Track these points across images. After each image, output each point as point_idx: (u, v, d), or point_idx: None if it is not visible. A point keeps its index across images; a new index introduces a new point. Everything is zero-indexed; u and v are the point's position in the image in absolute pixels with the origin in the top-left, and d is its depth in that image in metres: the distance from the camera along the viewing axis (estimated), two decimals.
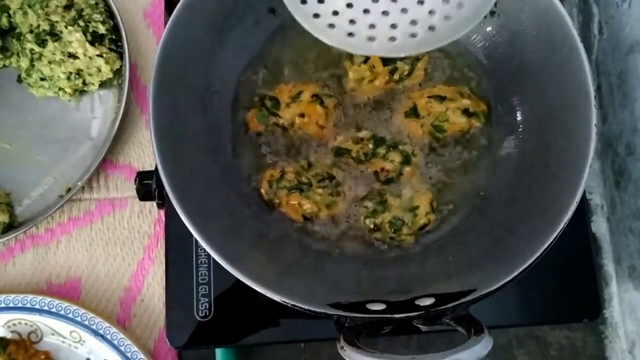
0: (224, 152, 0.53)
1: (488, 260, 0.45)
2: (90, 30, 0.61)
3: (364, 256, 0.51)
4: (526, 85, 0.52)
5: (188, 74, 0.49)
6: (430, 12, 0.37)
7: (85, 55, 0.61)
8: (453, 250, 0.49)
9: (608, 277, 0.63)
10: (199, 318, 0.53)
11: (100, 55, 0.61)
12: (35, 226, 0.61)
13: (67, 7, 0.61)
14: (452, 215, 0.52)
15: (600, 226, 0.64)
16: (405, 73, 0.54)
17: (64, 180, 0.62)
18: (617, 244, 0.63)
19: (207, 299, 0.54)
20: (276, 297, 0.41)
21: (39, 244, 0.62)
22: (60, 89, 0.62)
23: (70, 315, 0.57)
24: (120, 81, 0.63)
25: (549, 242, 0.42)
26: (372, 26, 0.37)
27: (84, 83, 0.62)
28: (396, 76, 0.54)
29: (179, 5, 0.47)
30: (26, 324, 0.58)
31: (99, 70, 0.62)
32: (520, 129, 0.53)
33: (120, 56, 0.63)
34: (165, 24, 0.47)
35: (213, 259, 0.42)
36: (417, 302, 0.42)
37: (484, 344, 0.35)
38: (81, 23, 0.60)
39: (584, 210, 0.56)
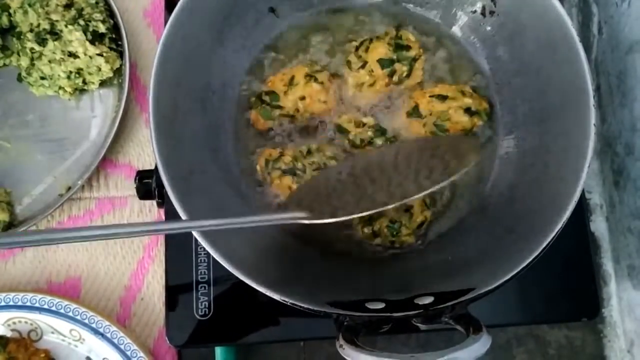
0: (224, 151, 0.53)
1: (487, 259, 0.45)
2: (91, 29, 0.61)
3: (363, 255, 0.51)
4: (526, 85, 0.52)
5: (188, 73, 0.49)
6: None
7: (85, 55, 0.61)
8: (452, 249, 0.50)
9: (607, 276, 0.64)
10: (198, 317, 0.54)
11: (100, 55, 0.61)
12: (36, 225, 0.61)
13: (68, 6, 0.61)
14: (452, 215, 0.52)
15: (599, 225, 0.65)
16: (404, 74, 0.54)
17: (64, 179, 0.62)
18: (616, 244, 0.63)
19: (206, 298, 0.54)
20: (275, 296, 0.41)
21: None
22: (60, 87, 0.62)
23: (70, 314, 0.57)
24: (120, 80, 0.64)
25: (547, 242, 0.42)
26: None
27: (84, 82, 0.62)
28: (395, 78, 0.54)
29: (179, 5, 0.47)
30: (26, 322, 0.58)
31: (99, 70, 0.62)
32: (519, 129, 0.53)
33: (120, 55, 0.63)
34: (166, 23, 0.47)
35: (213, 258, 0.42)
36: (416, 300, 0.42)
37: (482, 343, 0.35)
38: (81, 22, 0.60)
39: (583, 209, 0.56)
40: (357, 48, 0.55)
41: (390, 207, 0.44)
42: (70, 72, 0.61)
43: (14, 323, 0.58)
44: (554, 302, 0.55)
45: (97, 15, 0.62)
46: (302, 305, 0.41)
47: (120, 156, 0.64)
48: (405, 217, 0.51)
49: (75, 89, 0.63)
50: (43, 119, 0.64)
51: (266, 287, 0.41)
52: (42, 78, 0.62)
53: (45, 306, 0.57)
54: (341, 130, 0.54)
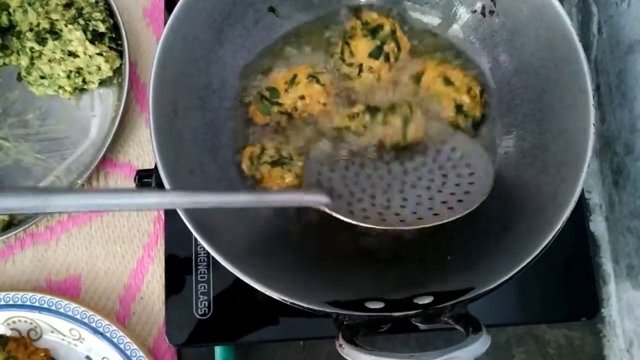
0: (224, 150, 0.53)
1: (486, 259, 0.45)
2: (90, 28, 0.61)
3: (362, 254, 0.51)
4: (525, 84, 0.52)
5: (187, 72, 0.50)
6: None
7: (85, 54, 0.61)
8: (451, 249, 0.49)
9: (606, 276, 0.64)
10: (198, 316, 0.54)
11: (100, 54, 0.61)
12: (35, 224, 0.61)
13: (67, 6, 0.61)
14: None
15: (598, 225, 0.65)
16: (395, 49, 0.54)
17: (64, 178, 0.62)
18: (615, 243, 0.63)
19: (206, 297, 0.54)
20: (275, 295, 0.41)
21: (38, 242, 0.62)
22: (60, 87, 0.62)
23: (70, 313, 0.57)
24: (120, 80, 0.64)
25: (547, 242, 0.42)
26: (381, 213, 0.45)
27: (84, 81, 0.62)
28: (391, 59, 0.54)
29: (178, 4, 0.47)
30: (26, 321, 0.58)
31: (99, 69, 0.62)
32: (519, 128, 0.53)
33: (120, 55, 0.63)
34: (165, 22, 0.47)
35: (212, 257, 0.42)
36: (416, 300, 0.42)
37: (481, 343, 0.35)
38: (81, 21, 0.60)
39: (582, 209, 0.56)
40: (342, 57, 0.55)
41: (406, 228, 0.44)
42: (70, 71, 0.61)
43: (14, 322, 0.58)
44: (553, 302, 0.55)
45: (97, 15, 0.62)
46: (302, 304, 0.41)
47: (120, 155, 0.64)
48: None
49: (75, 89, 0.63)
50: (43, 118, 0.64)
51: (265, 286, 0.41)
52: (42, 77, 0.61)
53: (45, 305, 0.57)
54: (340, 131, 0.53)
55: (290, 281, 0.44)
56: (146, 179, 0.54)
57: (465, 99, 0.53)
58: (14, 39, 0.63)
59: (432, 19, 0.57)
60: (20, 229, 0.59)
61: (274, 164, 0.51)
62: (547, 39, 0.49)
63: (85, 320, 0.57)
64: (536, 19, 0.49)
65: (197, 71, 0.51)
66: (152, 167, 0.54)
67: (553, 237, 0.42)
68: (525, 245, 0.43)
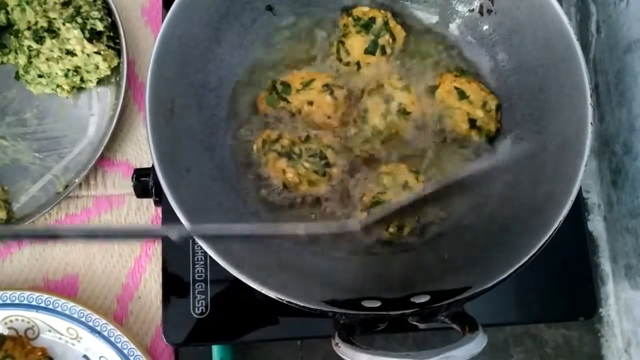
0: (221, 149, 0.53)
1: (483, 258, 0.45)
2: (88, 27, 0.61)
3: (360, 253, 0.51)
4: (523, 83, 0.52)
5: (185, 71, 0.49)
6: None
7: (83, 53, 0.61)
8: (448, 248, 0.49)
9: (604, 275, 0.64)
10: (195, 315, 0.53)
11: (98, 53, 0.61)
12: (33, 223, 0.61)
13: (65, 4, 0.61)
14: (448, 213, 0.52)
15: (597, 225, 0.65)
16: (390, 41, 0.54)
17: (62, 177, 0.62)
18: (613, 243, 0.63)
19: (203, 296, 0.54)
20: (271, 294, 0.41)
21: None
22: (58, 86, 0.62)
23: (67, 312, 0.57)
24: (118, 78, 0.64)
25: (543, 241, 0.42)
26: None
27: (82, 80, 0.62)
28: (388, 50, 0.54)
29: (175, 2, 0.47)
30: (23, 320, 0.58)
31: (97, 68, 0.62)
32: (517, 127, 0.53)
33: (118, 53, 0.63)
34: (163, 21, 0.47)
35: (210, 256, 0.42)
36: (413, 299, 0.42)
37: (478, 342, 0.35)
38: (79, 20, 0.60)
39: (580, 209, 0.56)
40: (338, 57, 0.55)
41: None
42: (68, 70, 0.61)
43: (11, 321, 0.58)
44: (551, 302, 0.55)
45: (95, 14, 0.62)
46: (298, 303, 0.41)
47: (118, 154, 0.64)
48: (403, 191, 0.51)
49: (73, 87, 0.63)
50: (41, 117, 0.64)
51: (262, 285, 0.41)
52: (40, 76, 0.61)
53: (42, 304, 0.57)
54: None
55: (287, 280, 0.44)
56: (144, 178, 0.54)
57: (480, 114, 0.52)
58: (11, 37, 0.63)
59: (430, 18, 0.57)
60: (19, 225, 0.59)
61: (282, 154, 0.51)
62: (545, 38, 0.49)
63: (83, 320, 0.57)
64: (534, 18, 0.49)
65: (194, 70, 0.51)
66: (150, 165, 0.54)
67: (550, 236, 0.42)
68: (522, 244, 0.42)
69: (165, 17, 0.47)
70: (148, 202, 0.62)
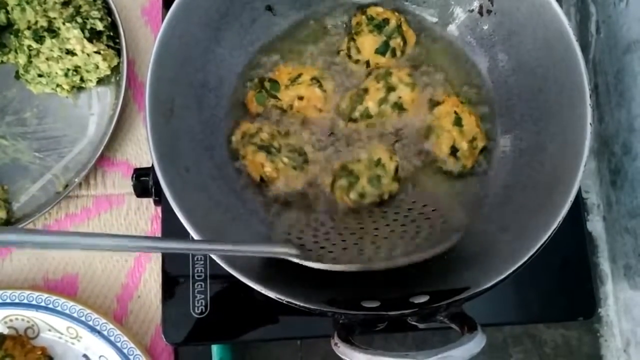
0: (220, 149, 0.53)
1: (482, 258, 0.45)
2: (88, 27, 0.61)
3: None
4: (523, 83, 0.52)
5: (184, 71, 0.49)
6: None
7: (83, 52, 0.61)
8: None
9: (604, 275, 0.64)
10: (195, 315, 0.53)
11: (98, 52, 0.61)
12: (33, 222, 0.61)
13: (65, 4, 0.61)
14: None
15: (596, 225, 0.65)
16: (401, 44, 0.54)
17: (62, 176, 0.62)
18: (612, 243, 0.63)
19: (203, 296, 0.54)
20: (271, 294, 0.41)
21: None
22: (57, 85, 0.62)
23: (67, 312, 0.57)
24: (117, 78, 0.64)
25: (542, 241, 0.42)
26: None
27: (82, 80, 0.62)
28: (398, 53, 0.54)
29: (175, 2, 0.47)
30: (23, 319, 0.58)
31: (97, 67, 0.62)
32: (516, 128, 0.52)
33: (118, 53, 0.63)
34: (163, 21, 0.47)
35: (209, 256, 0.42)
36: (412, 299, 0.42)
37: (476, 342, 0.35)
38: (79, 20, 0.60)
39: (580, 209, 0.56)
40: (348, 54, 0.55)
41: (375, 267, 0.43)
42: (68, 69, 0.61)
43: (11, 320, 0.58)
44: (550, 302, 0.55)
45: (95, 13, 0.62)
46: (298, 303, 0.41)
47: (118, 154, 0.64)
48: (380, 169, 0.51)
49: (73, 87, 0.63)
50: (40, 116, 0.64)
51: (261, 285, 0.41)
52: (40, 75, 0.61)
53: (42, 304, 0.57)
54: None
55: (286, 280, 0.44)
56: (144, 177, 0.54)
57: (464, 146, 0.51)
58: (11, 37, 0.63)
59: (429, 18, 0.57)
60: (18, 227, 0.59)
61: (261, 148, 0.51)
62: (544, 39, 0.49)
63: (83, 319, 0.57)
64: (534, 18, 0.49)
65: (194, 69, 0.51)
66: (150, 165, 0.54)
67: (549, 237, 0.42)
68: (521, 244, 0.42)
69: (165, 17, 0.47)
70: (148, 202, 0.62)
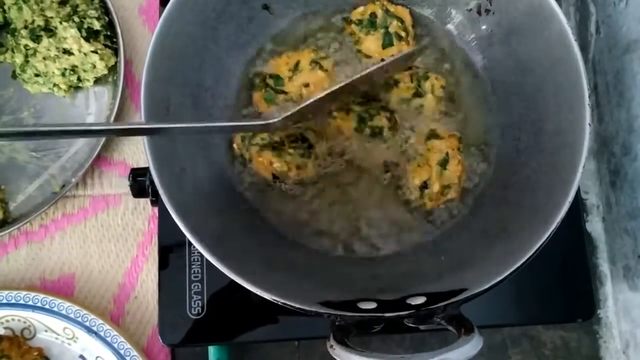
0: (216, 149, 0.52)
1: (480, 260, 0.45)
2: (85, 26, 0.61)
3: (355, 254, 0.51)
4: (521, 83, 0.52)
5: (181, 69, 0.49)
6: None
7: (80, 52, 0.60)
8: (445, 249, 0.49)
9: (603, 277, 0.63)
10: (192, 316, 0.53)
11: (95, 52, 0.61)
12: (29, 222, 0.61)
13: (62, 3, 0.61)
14: (445, 214, 0.52)
15: (595, 226, 0.64)
16: (400, 23, 0.54)
17: (58, 176, 0.62)
18: (612, 244, 0.62)
19: (200, 297, 0.54)
20: (266, 295, 0.41)
21: (32, 241, 0.62)
22: (54, 85, 0.62)
23: (64, 312, 0.57)
24: (115, 78, 0.63)
25: (541, 242, 0.41)
26: None
27: (79, 79, 0.62)
28: (402, 33, 0.54)
29: (171, 1, 0.47)
30: (19, 320, 0.58)
31: (94, 67, 0.62)
32: (514, 127, 0.52)
33: (115, 52, 0.63)
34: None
35: (206, 257, 0.42)
36: (408, 301, 0.41)
37: (473, 344, 0.35)
38: (76, 19, 0.60)
39: (579, 210, 0.56)
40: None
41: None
42: (65, 69, 0.61)
43: (7, 321, 0.58)
44: (549, 303, 0.55)
45: (92, 12, 0.61)
46: (294, 304, 0.41)
47: (115, 154, 0.64)
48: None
49: (70, 86, 0.63)
50: (37, 116, 0.64)
51: (257, 286, 0.41)
52: (37, 75, 0.61)
53: (39, 304, 0.57)
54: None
55: (282, 281, 0.43)
56: (140, 177, 0.54)
57: (435, 188, 0.50)
58: (8, 36, 0.62)
59: (427, 17, 0.56)
60: (15, 227, 0.59)
61: (265, 147, 0.51)
62: (543, 38, 0.48)
63: (79, 320, 0.57)
64: (532, 17, 0.49)
65: (190, 69, 0.50)
66: (147, 165, 0.53)
67: (547, 238, 0.42)
68: (519, 246, 0.42)
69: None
70: (145, 202, 0.62)
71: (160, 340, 0.53)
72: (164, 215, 0.56)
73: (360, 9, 0.55)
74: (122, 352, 0.56)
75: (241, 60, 0.55)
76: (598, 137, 0.64)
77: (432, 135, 0.53)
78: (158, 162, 0.44)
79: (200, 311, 0.53)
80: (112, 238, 0.62)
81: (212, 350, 0.56)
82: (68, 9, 0.61)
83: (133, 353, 0.56)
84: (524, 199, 0.48)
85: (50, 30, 0.60)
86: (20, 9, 0.61)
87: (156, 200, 0.54)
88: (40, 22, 0.60)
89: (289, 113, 0.45)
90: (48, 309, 0.57)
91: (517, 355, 0.61)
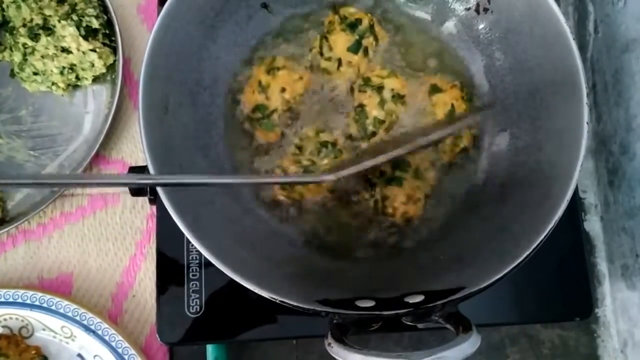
0: (214, 148, 0.52)
1: (478, 258, 0.45)
2: (84, 24, 0.60)
3: (353, 253, 0.51)
4: (519, 82, 0.52)
5: (179, 68, 0.49)
6: None
7: (78, 50, 0.60)
8: (443, 248, 0.49)
9: (601, 276, 0.63)
10: (190, 314, 0.53)
11: (93, 50, 0.61)
12: (27, 221, 0.61)
13: (61, 1, 0.61)
14: (443, 212, 0.52)
15: (593, 225, 0.64)
16: (373, 44, 0.55)
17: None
18: (610, 243, 0.63)
19: (198, 295, 0.54)
20: (264, 294, 0.41)
21: (30, 239, 0.62)
22: (53, 83, 0.62)
23: (62, 311, 0.57)
24: (113, 76, 0.63)
25: (538, 241, 0.41)
26: None
27: (77, 78, 0.62)
28: (370, 52, 0.55)
29: (169, 0, 0.47)
30: (17, 319, 0.58)
31: (92, 65, 0.61)
32: (512, 126, 0.52)
33: (114, 51, 0.63)
34: None
35: (204, 255, 0.42)
36: (407, 299, 0.41)
37: (471, 342, 0.35)
38: (75, 17, 0.60)
39: (577, 208, 0.56)
40: (320, 52, 0.55)
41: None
42: (63, 67, 0.61)
43: (5, 320, 0.58)
44: (547, 302, 0.55)
45: (91, 11, 0.61)
46: (291, 302, 0.41)
47: (114, 152, 0.64)
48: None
49: (69, 85, 0.62)
50: (36, 114, 0.64)
51: (254, 284, 0.41)
52: (35, 73, 0.61)
53: (37, 303, 0.57)
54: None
55: (280, 279, 0.43)
56: None
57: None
58: (7, 34, 0.62)
59: (424, 16, 0.56)
60: (12, 226, 0.59)
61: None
62: (541, 37, 0.48)
63: (77, 318, 0.57)
64: (531, 17, 0.49)
65: (189, 67, 0.50)
66: (145, 164, 0.53)
67: (545, 236, 0.42)
68: (517, 244, 0.42)
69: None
70: (143, 201, 0.62)
71: (159, 339, 0.53)
72: (162, 214, 0.56)
73: (353, 9, 0.55)
74: (120, 350, 0.56)
75: (240, 59, 0.55)
76: (596, 136, 0.64)
77: (435, 89, 0.54)
78: (156, 160, 0.44)
79: (198, 310, 0.53)
80: (110, 237, 0.62)
81: (210, 348, 0.56)
82: (67, 7, 0.60)
83: (131, 352, 0.56)
84: (522, 198, 0.48)
85: (48, 29, 0.60)
86: (18, 7, 0.60)
87: (154, 199, 0.54)
88: (38, 20, 0.60)
89: (345, 172, 0.45)
90: (46, 308, 0.57)
91: (515, 354, 0.61)
